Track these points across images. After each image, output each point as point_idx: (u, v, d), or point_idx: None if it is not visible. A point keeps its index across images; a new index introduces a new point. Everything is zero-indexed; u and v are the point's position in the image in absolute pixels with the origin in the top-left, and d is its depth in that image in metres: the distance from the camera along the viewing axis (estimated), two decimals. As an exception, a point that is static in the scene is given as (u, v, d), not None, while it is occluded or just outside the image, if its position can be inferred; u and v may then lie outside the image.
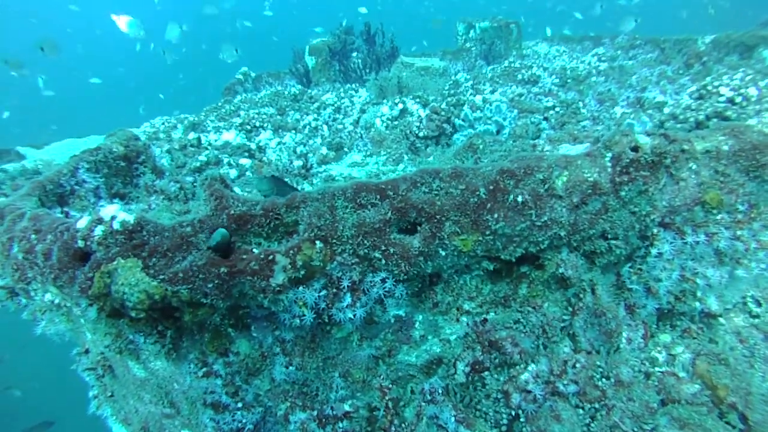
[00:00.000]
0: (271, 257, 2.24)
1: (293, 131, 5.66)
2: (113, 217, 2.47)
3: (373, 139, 5.12)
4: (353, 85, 7.16)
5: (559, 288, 2.68)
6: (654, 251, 2.57)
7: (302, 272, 2.25)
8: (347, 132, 5.42)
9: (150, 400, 3.14)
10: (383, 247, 2.26)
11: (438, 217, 2.27)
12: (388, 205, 2.27)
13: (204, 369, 2.74)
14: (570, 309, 2.68)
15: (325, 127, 5.66)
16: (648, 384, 2.62)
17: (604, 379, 2.56)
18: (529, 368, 2.60)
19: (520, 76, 6.49)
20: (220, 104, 7.38)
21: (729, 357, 2.62)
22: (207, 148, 5.15)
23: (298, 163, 4.42)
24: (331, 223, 2.29)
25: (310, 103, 6.52)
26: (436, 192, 2.31)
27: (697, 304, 2.70)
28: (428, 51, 8.68)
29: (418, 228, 2.32)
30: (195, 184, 4.53)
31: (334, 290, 2.34)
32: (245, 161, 4.62)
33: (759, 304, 2.87)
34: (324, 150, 4.98)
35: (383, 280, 2.31)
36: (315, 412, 2.79)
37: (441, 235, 2.29)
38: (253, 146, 5.22)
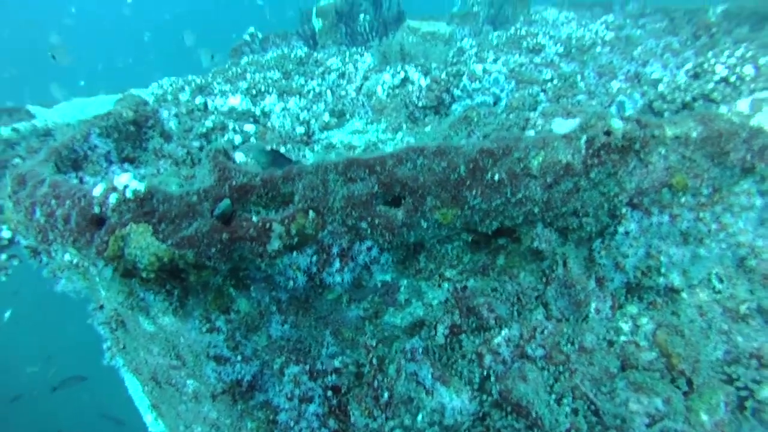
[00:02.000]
0: (268, 225, 2.48)
1: (297, 96, 5.82)
2: (126, 186, 2.70)
3: (374, 107, 5.27)
4: (359, 49, 7.23)
5: (535, 260, 2.91)
6: (621, 229, 2.77)
7: (296, 239, 2.49)
8: (350, 99, 5.56)
9: (158, 352, 3.44)
10: (369, 219, 2.49)
11: (420, 191, 2.49)
12: (376, 180, 2.49)
13: (207, 325, 3.01)
14: (544, 279, 2.91)
15: (328, 93, 5.80)
16: (610, 351, 2.86)
17: (569, 345, 2.81)
18: (502, 332, 2.85)
19: (524, 44, 6.48)
20: (227, 66, 7.50)
21: (686, 329, 2.85)
22: (213, 113, 5.34)
23: (300, 129, 4.60)
24: (323, 195, 2.51)
25: (315, 67, 6.62)
26: (420, 168, 2.52)
27: (662, 279, 2.91)
28: (435, 15, 8.64)
29: (402, 201, 2.53)
30: (201, 149, 4.74)
31: (325, 256, 2.58)
32: (250, 127, 4.80)
33: (721, 281, 3.07)
34: (326, 117, 5.14)
35: (369, 248, 2.54)
36: (307, 366, 3.07)
37: (423, 209, 2.51)
38: (257, 111, 5.39)
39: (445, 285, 2.93)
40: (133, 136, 4.64)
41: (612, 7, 8.08)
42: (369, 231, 2.50)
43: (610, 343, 2.91)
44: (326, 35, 8.02)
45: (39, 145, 5.20)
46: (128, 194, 2.67)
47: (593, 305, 2.96)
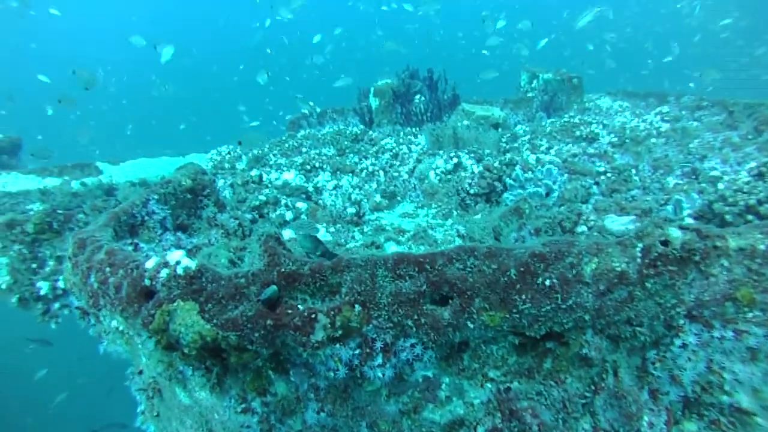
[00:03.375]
0: (313, 315, 2.48)
1: (351, 174, 5.95)
2: (178, 262, 2.78)
3: (425, 191, 5.33)
4: (413, 129, 7.40)
5: (583, 366, 2.78)
6: (678, 342, 2.64)
7: (340, 332, 2.47)
8: (402, 180, 5.65)
9: (191, 425, 3.41)
10: (415, 317, 2.45)
11: (469, 293, 2.45)
12: (424, 278, 2.47)
13: (243, 405, 2.98)
14: (593, 387, 2.78)
15: (381, 173, 5.91)
16: (664, 472, 2.66)
17: (619, 463, 2.63)
18: (547, 442, 2.71)
19: (578, 132, 6.47)
20: (284, 138, 7.78)
21: (755, 456, 2.64)
22: (267, 186, 5.50)
23: (351, 210, 4.68)
24: (371, 290, 2.50)
25: (369, 145, 6.80)
26: (470, 269, 2.49)
27: (725, 397, 2.73)
28: (489, 99, 8.80)
29: (450, 301, 2.50)
30: (253, 221, 4.85)
31: (368, 350, 2.54)
32: (301, 205, 4.92)
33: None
34: (378, 198, 5.22)
35: (413, 346, 2.49)
36: (341, 458, 2.98)
37: (470, 310, 2.46)
38: (310, 187, 5.52)
39: (488, 385, 2.82)
40: (189, 203, 4.81)
41: (667, 98, 8.03)
42: (414, 329, 2.46)
43: (665, 464, 2.71)
44: (382, 114, 8.25)
45: (102, 204, 5.45)
46: (179, 270, 2.74)
47: (646, 419, 2.79)
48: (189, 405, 3.35)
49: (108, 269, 3.04)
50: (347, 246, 4.25)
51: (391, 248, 4.07)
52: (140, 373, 3.80)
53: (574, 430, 2.75)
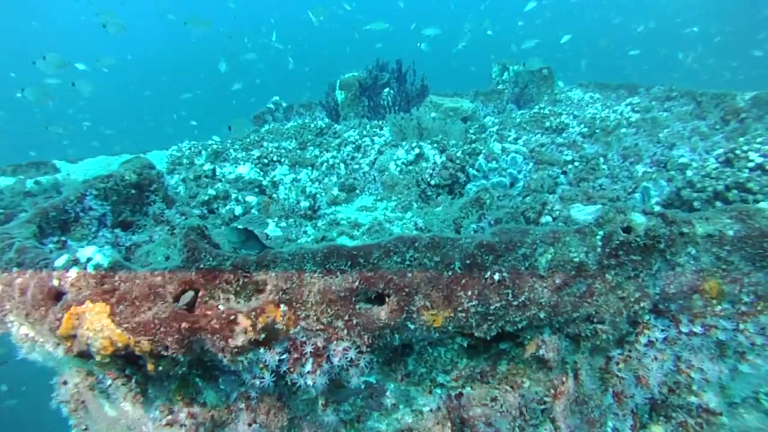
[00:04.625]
0: (232, 317, 2.19)
1: (310, 168, 5.64)
2: (89, 259, 2.47)
3: (385, 183, 5.04)
4: (380, 122, 7.12)
5: (542, 368, 2.53)
6: (644, 339, 2.40)
7: (263, 335, 2.18)
8: (362, 173, 5.36)
9: (121, 440, 3.10)
10: (346, 317, 2.17)
11: (407, 289, 2.17)
12: (357, 274, 2.19)
13: (169, 417, 2.68)
14: (552, 391, 2.52)
15: (342, 166, 5.62)
16: (629, 485, 2.42)
17: (579, 476, 2.38)
18: (501, 453, 2.45)
19: (547, 123, 6.30)
20: (247, 133, 7.46)
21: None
22: (221, 181, 5.18)
23: (305, 203, 4.38)
24: (298, 287, 2.21)
25: (333, 138, 6.51)
26: (409, 263, 2.21)
27: (693, 398, 2.50)
28: (460, 91, 8.55)
29: (387, 299, 2.22)
30: (202, 217, 4.54)
31: (296, 355, 2.25)
32: (252, 198, 4.60)
33: (772, 403, 2.63)
34: (335, 191, 4.93)
35: (345, 350, 2.21)
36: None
37: (409, 309, 2.18)
38: (266, 182, 5.21)
39: (438, 391, 2.55)
40: (133, 199, 4.47)
41: (637, 89, 7.88)
42: (345, 332, 2.18)
43: (631, 475, 2.47)
44: (348, 107, 7.97)
45: (42, 202, 5.08)
46: (89, 268, 2.43)
47: (610, 424, 2.55)
48: (115, 417, 3.03)
49: (15, 269, 2.71)
50: (298, 241, 3.96)
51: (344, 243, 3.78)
52: (65, 383, 3.47)
53: (532, 439, 2.50)
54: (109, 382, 2.72)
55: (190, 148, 7.06)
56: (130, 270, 2.41)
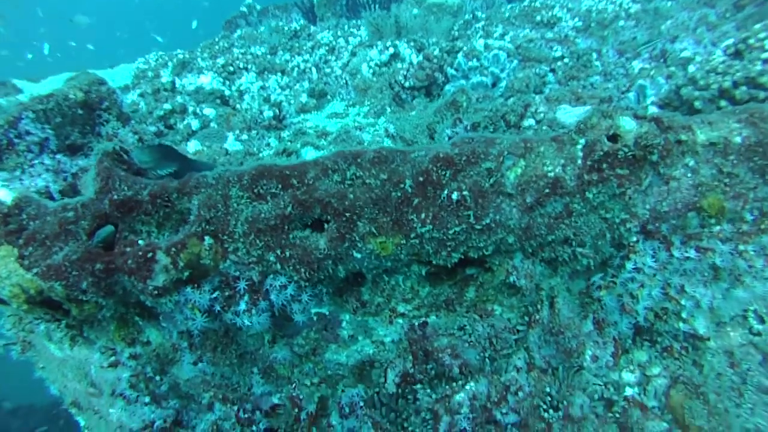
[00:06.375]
0: (150, 255, 1.89)
1: (280, 74, 5.16)
2: (-9, 193, 2.15)
3: (357, 87, 4.58)
4: (357, 22, 6.51)
5: (515, 293, 2.26)
6: (630, 265, 2.10)
7: (186, 273, 1.89)
8: (335, 77, 4.88)
9: (73, 377, 2.92)
10: (279, 250, 1.87)
11: (348, 214, 1.85)
12: (290, 197, 1.86)
13: (112, 358, 2.47)
14: (527, 318, 2.27)
15: (314, 70, 5.13)
16: (606, 418, 2.21)
17: (551, 410, 2.17)
18: (467, 387, 2.24)
19: (538, 18, 5.70)
20: (217, 39, 6.87)
21: (710, 389, 2.19)
22: (180, 93, 4.73)
23: (269, 113, 3.97)
24: (224, 216, 1.90)
25: (306, 41, 5.95)
26: (350, 182, 1.88)
27: (681, 324, 2.24)
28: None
29: (326, 226, 1.91)
30: (158, 134, 4.16)
31: (230, 292, 1.98)
32: (210, 111, 4.19)
33: (762, 321, 2.38)
34: (304, 97, 4.49)
35: (283, 286, 1.93)
36: (235, 408, 2.52)
37: (352, 237, 1.87)
38: (231, 92, 4.76)
39: (399, 321, 2.31)
40: (81, 119, 4.06)
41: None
42: (279, 265, 1.89)
43: (609, 404, 2.26)
44: (325, 7, 7.29)
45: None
46: (-8, 205, 2.11)
47: (589, 352, 2.31)
48: (63, 358, 2.84)
49: None
50: (260, 155, 3.59)
51: (309, 155, 3.43)
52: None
53: (503, 370, 2.28)
54: (42, 326, 2.50)
55: (157, 60, 6.54)
56: (40, 206, 2.09)
